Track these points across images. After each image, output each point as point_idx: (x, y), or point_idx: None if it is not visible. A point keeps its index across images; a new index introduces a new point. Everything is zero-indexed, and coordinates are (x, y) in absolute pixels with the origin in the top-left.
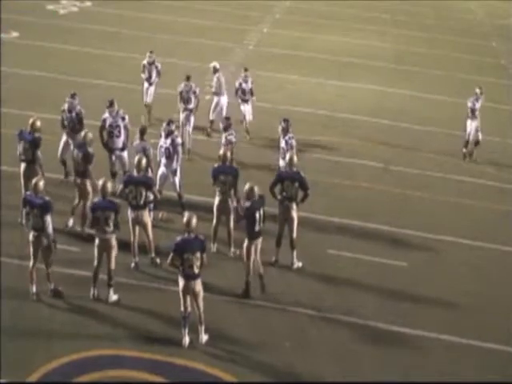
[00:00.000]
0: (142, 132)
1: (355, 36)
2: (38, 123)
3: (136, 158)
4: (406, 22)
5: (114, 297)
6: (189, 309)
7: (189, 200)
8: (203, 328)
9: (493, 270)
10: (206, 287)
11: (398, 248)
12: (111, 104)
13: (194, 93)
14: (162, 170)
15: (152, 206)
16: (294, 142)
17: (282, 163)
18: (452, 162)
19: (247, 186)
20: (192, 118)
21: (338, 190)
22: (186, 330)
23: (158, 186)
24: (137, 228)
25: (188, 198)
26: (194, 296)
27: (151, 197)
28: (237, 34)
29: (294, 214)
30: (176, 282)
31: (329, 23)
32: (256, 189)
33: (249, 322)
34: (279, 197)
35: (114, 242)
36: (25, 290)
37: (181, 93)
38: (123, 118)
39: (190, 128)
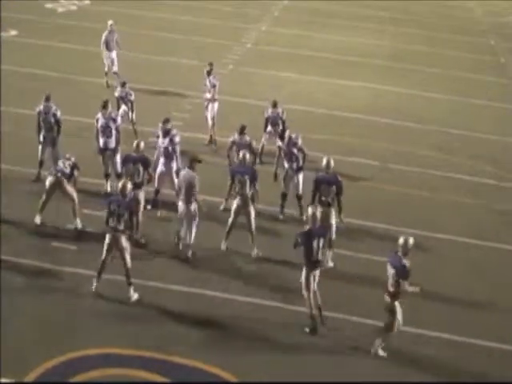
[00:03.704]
0: None
1: (353, 34)
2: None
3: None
4: (404, 20)
5: (134, 296)
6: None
7: None
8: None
9: (492, 269)
10: (210, 285)
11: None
12: (105, 105)
13: (214, 86)
14: (160, 169)
15: (150, 205)
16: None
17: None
18: (450, 160)
19: (310, 211)
20: (215, 108)
21: None
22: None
23: (156, 185)
24: None
25: None
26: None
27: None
28: (235, 33)
29: (333, 221)
30: (173, 280)
31: (327, 21)
32: (319, 215)
33: (249, 320)
34: (317, 203)
35: (125, 243)
36: (23, 288)
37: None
38: (114, 120)
39: (214, 118)
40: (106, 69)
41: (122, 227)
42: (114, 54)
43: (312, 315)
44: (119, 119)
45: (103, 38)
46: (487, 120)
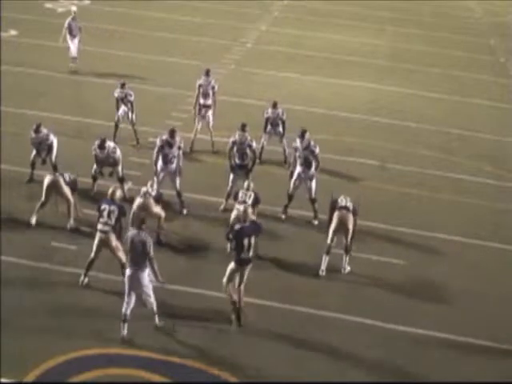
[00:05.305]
0: None
1: (353, 34)
2: None
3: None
4: (404, 20)
5: None
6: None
7: (192, 199)
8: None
9: (490, 268)
10: (211, 285)
11: (395, 246)
12: (102, 144)
13: (213, 88)
14: (160, 168)
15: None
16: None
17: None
18: (449, 160)
19: (241, 208)
20: (211, 114)
21: (335, 189)
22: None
23: (156, 185)
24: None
25: (188, 196)
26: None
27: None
28: (235, 32)
29: (350, 225)
30: (172, 280)
31: (327, 21)
32: (250, 212)
33: (248, 320)
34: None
35: (114, 242)
36: (23, 287)
37: (200, 86)
38: (115, 159)
39: (211, 124)
40: (70, 54)
41: (112, 222)
42: (76, 40)
43: (234, 302)
44: (118, 153)
45: (66, 24)
46: (487, 120)
